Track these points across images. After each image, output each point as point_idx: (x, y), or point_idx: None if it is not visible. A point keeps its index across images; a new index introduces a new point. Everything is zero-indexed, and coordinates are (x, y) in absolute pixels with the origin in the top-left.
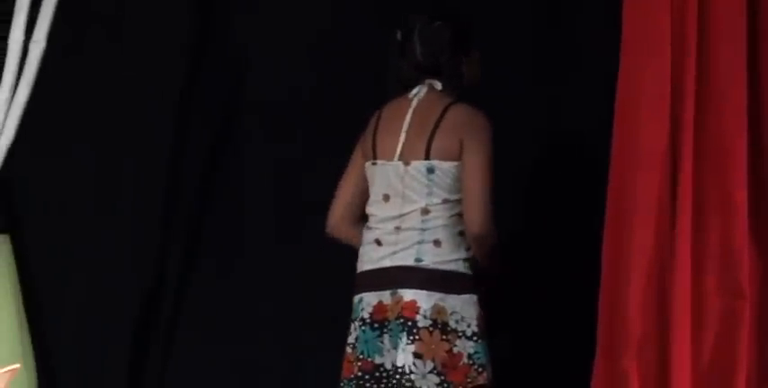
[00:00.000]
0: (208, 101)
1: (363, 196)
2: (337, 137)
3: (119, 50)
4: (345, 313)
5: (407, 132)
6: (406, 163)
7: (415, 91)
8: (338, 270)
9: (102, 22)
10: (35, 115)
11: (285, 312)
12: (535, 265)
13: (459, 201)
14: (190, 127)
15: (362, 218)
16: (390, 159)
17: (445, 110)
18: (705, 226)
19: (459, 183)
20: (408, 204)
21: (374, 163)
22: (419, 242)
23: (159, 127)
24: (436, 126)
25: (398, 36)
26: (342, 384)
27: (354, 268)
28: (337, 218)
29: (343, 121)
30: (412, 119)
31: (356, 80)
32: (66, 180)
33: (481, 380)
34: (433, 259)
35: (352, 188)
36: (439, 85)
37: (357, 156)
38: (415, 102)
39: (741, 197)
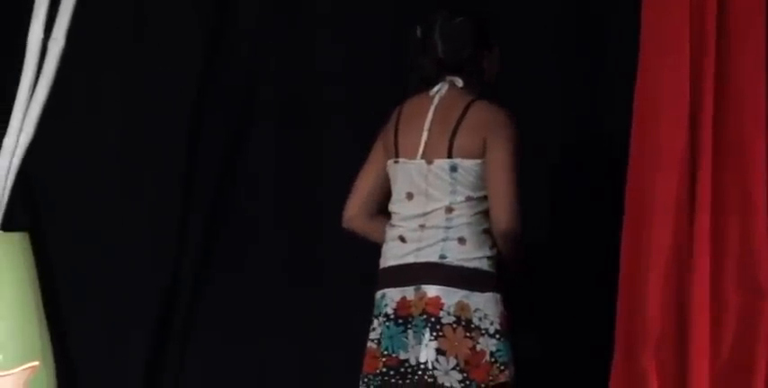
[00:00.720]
0: (224, 99)
1: (382, 190)
2: (356, 135)
3: (138, 48)
4: (363, 310)
5: (429, 130)
6: (429, 162)
7: (436, 88)
8: (355, 267)
9: (120, 21)
10: (55, 113)
11: (301, 309)
12: (555, 264)
13: (482, 199)
14: (207, 126)
15: (380, 212)
16: (413, 157)
17: (467, 108)
18: (724, 225)
19: (482, 181)
20: (432, 202)
21: (396, 162)
22: (444, 240)
23: (176, 127)
24: (458, 123)
25: (418, 33)
26: (365, 380)
27: (372, 264)
28: (354, 211)
29: (362, 119)
30: (434, 116)
31: (375, 78)
32: (86, 178)
33: (503, 378)
34: (458, 256)
35: (371, 181)
36: (460, 82)
37: (377, 151)
38: (436, 100)
39: (760, 195)
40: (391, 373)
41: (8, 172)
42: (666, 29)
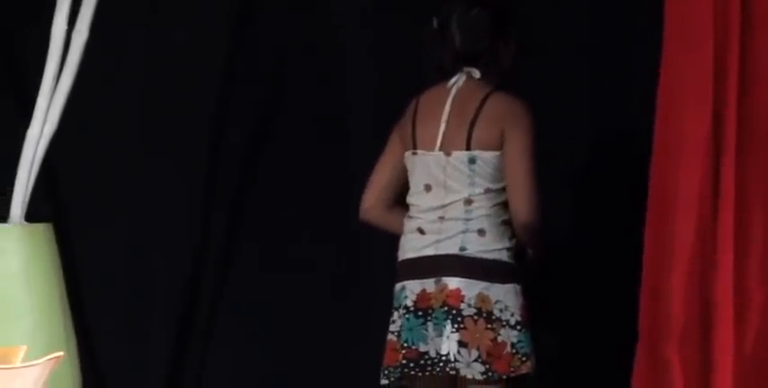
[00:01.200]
0: (247, 95)
1: (398, 182)
2: (380, 133)
3: (161, 43)
4: (386, 305)
5: (447, 122)
6: (447, 154)
7: (453, 80)
8: (378, 264)
9: (143, 13)
10: (79, 103)
11: (324, 307)
12: (578, 256)
13: (501, 190)
14: (230, 123)
15: (397, 203)
16: (431, 149)
17: (485, 100)
18: (747, 220)
19: (500, 172)
20: (451, 194)
21: (414, 153)
22: (463, 232)
23: (200, 117)
24: (476, 115)
25: (435, 24)
26: (386, 372)
27: (394, 257)
28: (371, 202)
29: (387, 118)
30: (451, 108)
31: (400, 74)
32: (110, 169)
33: (524, 369)
34: (478, 248)
35: (388, 173)
36: (477, 73)
37: (394, 142)
38: (453, 91)
39: None
40: (411, 365)
41: (32, 163)
42: (690, 24)
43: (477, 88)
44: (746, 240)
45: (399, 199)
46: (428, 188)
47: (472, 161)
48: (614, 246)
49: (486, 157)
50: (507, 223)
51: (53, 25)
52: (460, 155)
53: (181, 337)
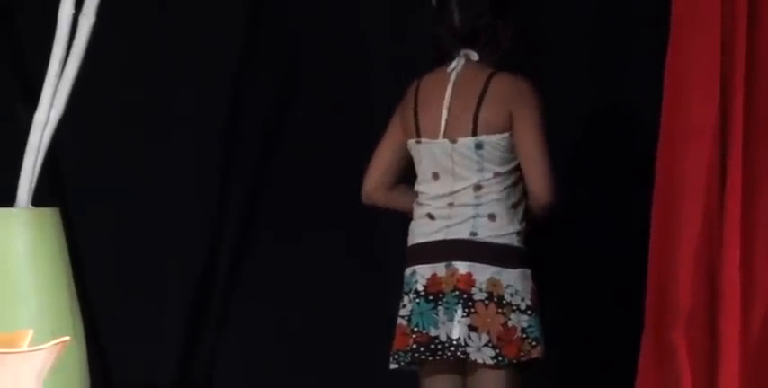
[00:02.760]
0: (265, 69)
1: (399, 164)
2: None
3: (172, 26)
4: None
5: (449, 108)
6: (453, 141)
7: (453, 64)
8: (400, 243)
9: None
10: (86, 88)
11: (338, 285)
12: (585, 240)
13: (510, 172)
14: (244, 100)
15: (398, 183)
16: (435, 137)
17: (488, 81)
18: (754, 204)
19: (509, 154)
20: (460, 181)
21: (418, 142)
22: (474, 217)
23: (214, 101)
24: (481, 97)
25: (434, 2)
26: (395, 357)
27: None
28: (372, 185)
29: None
30: (452, 93)
31: (423, 49)
32: (118, 154)
33: (535, 354)
34: (488, 233)
35: (388, 156)
36: (475, 56)
37: (395, 126)
38: (453, 76)
39: None
40: (421, 349)
41: (39, 148)
42: (698, 6)
43: (478, 70)
44: (754, 220)
45: (400, 181)
46: (436, 176)
47: (479, 146)
48: (622, 233)
49: (494, 141)
50: (517, 205)
51: (60, 9)
52: (467, 142)
53: (192, 324)
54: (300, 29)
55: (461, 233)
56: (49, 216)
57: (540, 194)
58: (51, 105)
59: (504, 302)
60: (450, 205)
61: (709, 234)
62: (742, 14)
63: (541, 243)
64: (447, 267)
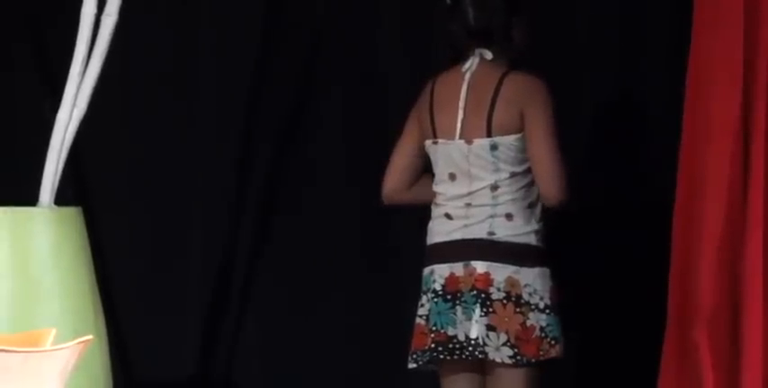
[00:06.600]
0: (286, 60)
1: (418, 164)
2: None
3: (192, 20)
4: (419, 285)
5: (465, 109)
6: (469, 142)
7: (467, 64)
8: (411, 239)
9: None
10: (108, 88)
11: (354, 283)
12: (606, 237)
13: (526, 172)
14: (261, 99)
15: (417, 180)
16: (451, 138)
17: (500, 82)
18: None
19: (523, 154)
20: (476, 182)
21: (435, 142)
22: (491, 217)
23: (233, 101)
24: (494, 99)
25: (448, 1)
26: (414, 356)
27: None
28: (392, 186)
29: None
30: (467, 94)
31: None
32: (139, 153)
33: (553, 353)
34: (506, 232)
35: (406, 156)
36: (489, 55)
37: (412, 125)
38: (467, 76)
39: None
40: (440, 349)
41: (61, 148)
42: (719, 3)
43: (491, 70)
44: None
45: (419, 179)
46: (452, 176)
47: (494, 147)
48: (643, 231)
49: (508, 142)
50: (534, 204)
51: (82, 8)
52: (482, 143)
53: (212, 323)
54: (317, 30)
55: (479, 232)
56: (72, 215)
57: (547, 193)
58: (74, 104)
59: (523, 301)
60: (468, 205)
61: (731, 232)
62: (765, 12)
63: (561, 242)
64: (465, 266)
